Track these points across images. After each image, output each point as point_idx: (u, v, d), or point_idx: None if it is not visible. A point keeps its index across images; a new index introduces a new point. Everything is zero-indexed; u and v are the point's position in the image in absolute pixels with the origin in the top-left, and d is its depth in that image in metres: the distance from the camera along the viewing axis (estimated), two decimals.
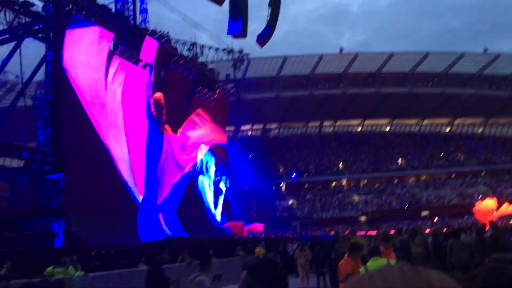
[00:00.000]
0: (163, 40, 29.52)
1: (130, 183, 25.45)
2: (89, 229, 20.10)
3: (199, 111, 34.55)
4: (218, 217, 35.73)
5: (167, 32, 30.10)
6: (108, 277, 13.31)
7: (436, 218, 50.53)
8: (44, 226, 20.51)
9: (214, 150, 36.50)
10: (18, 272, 11.69)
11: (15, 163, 25.75)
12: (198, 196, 33.88)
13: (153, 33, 28.96)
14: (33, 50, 23.77)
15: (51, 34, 22.90)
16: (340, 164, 61.06)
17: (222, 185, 37.51)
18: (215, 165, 36.81)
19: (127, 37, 27.20)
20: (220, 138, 38.16)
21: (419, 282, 0.56)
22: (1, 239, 15.15)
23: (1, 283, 10.79)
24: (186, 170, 32.43)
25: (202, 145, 34.90)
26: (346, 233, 15.46)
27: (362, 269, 6.00)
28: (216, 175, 36.76)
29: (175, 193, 30.45)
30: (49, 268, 12.01)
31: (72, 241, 17.45)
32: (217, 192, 36.43)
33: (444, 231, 14.61)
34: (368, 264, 6.12)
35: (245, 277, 2.06)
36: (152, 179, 27.48)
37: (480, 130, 68.16)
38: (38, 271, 11.41)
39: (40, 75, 25.13)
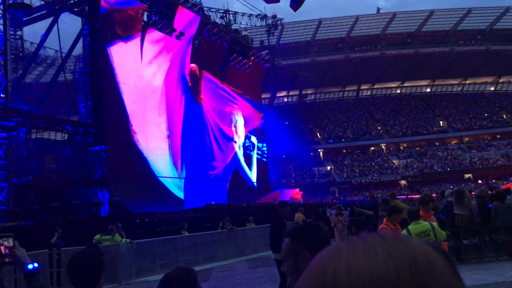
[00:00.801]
0: (196, 8, 29.31)
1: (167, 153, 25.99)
2: (132, 198, 20.72)
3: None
4: (254, 179, 36.15)
5: (200, 1, 29.85)
6: (152, 244, 13.75)
7: (480, 181, 49.27)
8: (90, 196, 21.28)
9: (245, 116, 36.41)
10: (68, 240, 12.23)
11: (60, 136, 26.62)
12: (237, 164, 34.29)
13: (185, 2, 28.78)
14: (70, 24, 24.13)
15: (87, 7, 23.14)
16: (379, 128, 60.06)
17: (254, 151, 37.48)
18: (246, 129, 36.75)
19: (160, 7, 27.15)
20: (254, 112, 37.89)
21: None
22: (50, 209, 15.82)
23: (53, 250, 11.33)
24: (232, 139, 32.90)
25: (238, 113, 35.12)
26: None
27: (404, 231, 5.93)
28: (247, 138, 36.68)
29: (226, 163, 31.19)
30: (97, 236, 12.51)
31: (118, 210, 18.03)
32: (250, 156, 36.55)
33: (489, 193, 14.23)
34: (410, 227, 6.05)
35: (288, 244, 2.05)
36: (193, 150, 27.89)
37: None
38: (86, 239, 11.89)
39: (78, 49, 25.59)
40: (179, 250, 14.36)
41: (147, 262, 13.24)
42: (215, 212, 20.36)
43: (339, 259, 0.54)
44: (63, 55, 24.25)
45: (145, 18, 26.87)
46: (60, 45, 22.62)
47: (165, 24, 27.04)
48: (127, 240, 12.85)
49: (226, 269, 14.29)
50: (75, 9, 23.46)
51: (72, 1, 23.20)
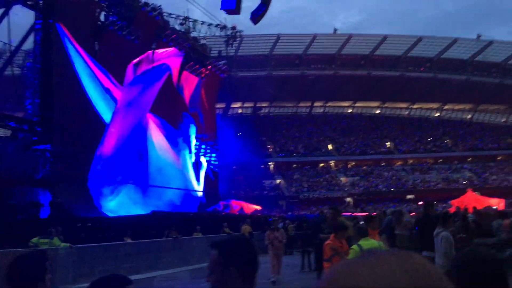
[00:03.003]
0: (155, 13, 29.03)
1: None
2: (75, 201, 20.04)
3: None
4: (200, 192, 35.51)
5: (160, 5, 29.59)
6: (92, 249, 13.33)
7: (420, 202, 51.15)
8: (30, 196, 20.36)
9: (196, 123, 35.99)
10: (4, 242, 11.64)
11: (2, 132, 25.42)
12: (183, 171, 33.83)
13: (145, 6, 28.44)
14: (22, 18, 23.24)
15: (41, 1, 22.38)
16: (329, 145, 61.29)
17: (203, 159, 36.95)
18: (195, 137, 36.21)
19: (119, 8, 26.68)
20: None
21: (416, 269, 0.56)
22: None
23: None
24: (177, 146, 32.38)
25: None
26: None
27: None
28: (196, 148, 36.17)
29: (167, 169, 30.50)
30: (35, 239, 11.97)
31: (59, 212, 17.37)
32: (197, 164, 35.94)
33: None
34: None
35: (215, 256, 1.98)
36: (137, 154, 27.35)
37: (469, 116, 68.67)
38: (23, 241, 11.36)
39: (29, 44, 24.63)
40: (121, 257, 14.00)
41: (86, 268, 12.80)
42: (161, 220, 20.03)
43: (358, 270, 0.56)
44: (12, 48, 23.30)
45: (102, 18, 26.37)
46: (9, 37, 21.74)
47: (122, 25, 26.58)
48: (67, 244, 12.38)
49: (169, 278, 14.05)
50: (28, 2, 22.63)
51: None
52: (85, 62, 23.50)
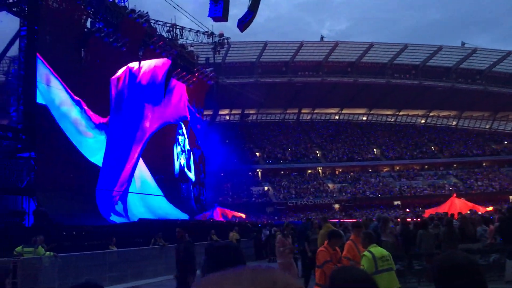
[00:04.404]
0: (143, 20, 28.98)
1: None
2: (60, 209, 19.80)
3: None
4: (193, 178, 36.11)
5: (147, 12, 29.53)
6: (77, 258, 13.17)
7: (407, 209, 51.44)
8: (14, 204, 20.09)
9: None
10: None
11: None
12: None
13: (132, 12, 28.38)
14: (7, 24, 23.06)
15: (26, 8, 22.21)
16: (317, 152, 61.50)
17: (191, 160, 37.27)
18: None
19: (106, 15, 26.58)
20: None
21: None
22: None
23: None
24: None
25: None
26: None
27: (367, 253, 5.84)
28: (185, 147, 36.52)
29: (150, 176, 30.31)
30: (19, 248, 11.81)
31: (43, 221, 17.15)
32: (187, 153, 36.32)
33: (415, 220, 14.90)
34: (372, 249, 5.93)
35: (204, 261, 2.06)
36: (123, 163, 27.19)
37: (454, 123, 69.49)
38: (7, 250, 11.20)
39: (14, 51, 24.42)
40: (107, 265, 13.85)
41: (71, 277, 12.64)
42: (147, 228, 19.87)
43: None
44: None
45: (88, 24, 26.24)
46: None
47: (109, 32, 26.47)
48: (51, 253, 12.22)
49: (156, 286, 13.93)
50: (13, 9, 22.46)
51: (10, 1, 22.21)
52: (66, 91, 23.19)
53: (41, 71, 21.45)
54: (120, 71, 27.13)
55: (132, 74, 28.35)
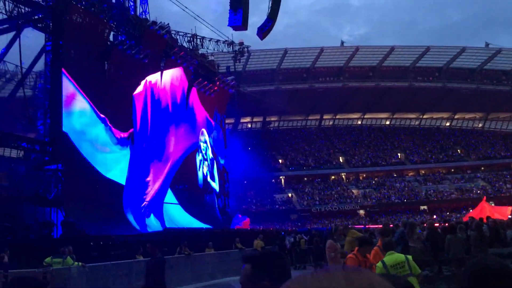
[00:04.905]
0: (163, 31, 29.39)
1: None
2: (87, 220, 20.12)
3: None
4: (217, 188, 36.20)
5: (168, 24, 29.96)
6: (105, 268, 13.34)
7: (434, 216, 50.54)
8: (42, 216, 20.51)
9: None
10: (17, 262, 11.71)
11: (14, 153, 25.71)
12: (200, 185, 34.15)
13: (153, 24, 28.83)
14: (32, 40, 23.68)
15: (51, 24, 22.79)
16: (340, 158, 61.08)
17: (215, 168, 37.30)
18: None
19: (128, 28, 27.07)
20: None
21: (360, 283, 0.59)
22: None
23: (0, 272, 10.80)
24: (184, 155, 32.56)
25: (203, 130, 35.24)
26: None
27: (380, 264, 5.79)
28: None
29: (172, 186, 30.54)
30: (48, 259, 12.03)
31: (71, 231, 17.45)
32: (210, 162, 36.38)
33: (443, 225, 14.61)
34: (385, 259, 5.92)
35: (249, 270, 2.02)
36: (150, 172, 27.49)
37: (480, 125, 68.14)
38: (37, 261, 11.42)
39: (40, 65, 25.05)
40: (134, 274, 13.98)
41: (99, 287, 12.81)
42: (173, 237, 20.00)
43: (304, 285, 0.60)
44: (24, 70, 23.68)
45: (111, 38, 26.74)
46: (21, 60, 22.13)
47: (131, 44, 26.92)
48: (79, 263, 12.42)
49: None
50: (39, 25, 23.07)
51: (36, 17, 22.82)
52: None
53: (67, 88, 21.88)
54: (141, 86, 27.44)
55: (153, 88, 28.67)
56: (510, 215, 24.24)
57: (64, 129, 21.35)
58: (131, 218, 24.08)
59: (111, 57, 25.71)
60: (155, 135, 28.23)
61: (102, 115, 23.82)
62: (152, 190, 27.19)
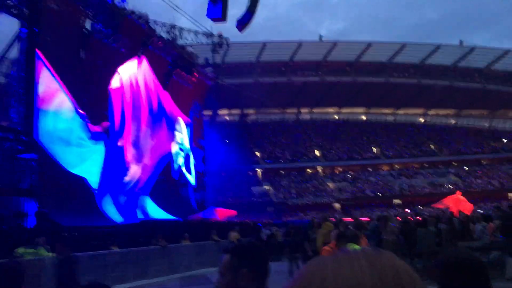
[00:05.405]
0: (142, 20, 28.97)
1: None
2: (62, 210, 19.82)
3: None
4: (193, 182, 35.81)
5: (146, 13, 29.53)
6: (80, 259, 13.17)
7: (407, 210, 51.45)
8: (16, 206, 20.11)
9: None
10: None
11: None
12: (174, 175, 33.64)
13: (131, 13, 28.37)
14: (6, 26, 23.06)
15: (26, 10, 22.20)
16: (316, 151, 61.54)
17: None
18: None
19: (105, 16, 26.57)
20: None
21: (383, 266, 0.56)
22: None
23: None
24: (163, 151, 32.14)
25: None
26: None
27: None
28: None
29: (151, 175, 30.19)
30: (20, 249, 11.82)
31: (45, 222, 17.18)
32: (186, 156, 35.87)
33: (416, 219, 14.90)
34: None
35: (228, 260, 2.07)
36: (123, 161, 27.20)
37: (453, 121, 69.56)
38: (9, 252, 11.20)
39: (14, 53, 24.42)
40: (109, 266, 13.87)
41: None
42: (148, 228, 19.89)
43: (325, 269, 0.57)
44: None
45: (88, 26, 26.22)
46: None
47: (108, 33, 26.47)
48: (53, 254, 12.23)
49: (158, 286, 13.95)
50: (13, 11, 22.44)
51: (11, 3, 22.19)
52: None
53: (46, 82, 21.35)
54: (117, 80, 26.91)
55: (130, 82, 28.20)
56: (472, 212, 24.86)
57: (39, 124, 20.85)
58: (109, 208, 23.78)
59: (88, 46, 25.24)
60: (134, 132, 27.92)
61: (81, 111, 23.34)
62: (132, 182, 26.96)
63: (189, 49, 37.20)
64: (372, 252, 0.60)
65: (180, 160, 34.47)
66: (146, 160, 29.37)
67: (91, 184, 23.59)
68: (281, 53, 57.25)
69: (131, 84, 28.61)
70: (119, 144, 26.39)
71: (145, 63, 30.06)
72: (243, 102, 61.02)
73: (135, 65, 29.11)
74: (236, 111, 66.11)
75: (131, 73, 28.66)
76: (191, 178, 35.73)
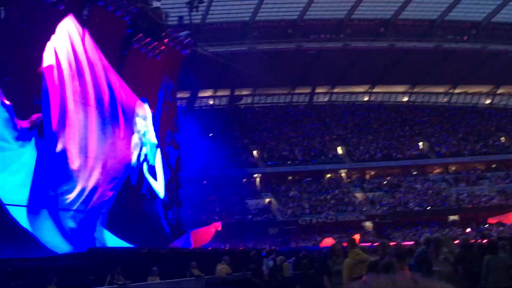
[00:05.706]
0: None
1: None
2: None
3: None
4: (161, 193, 35.73)
5: None
6: None
7: (469, 229, 51.45)
8: None
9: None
10: None
11: None
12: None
13: None
14: None
15: None
16: (338, 149, 61.55)
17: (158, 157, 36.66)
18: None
19: None
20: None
21: None
22: None
23: None
24: (122, 156, 32.27)
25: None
26: (344, 244, 15.62)
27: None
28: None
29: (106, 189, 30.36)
30: None
31: None
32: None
33: (480, 242, 14.89)
34: None
35: None
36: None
37: None
38: None
39: None
40: None
41: None
42: (101, 261, 19.91)
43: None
44: None
45: None
46: None
47: None
48: None
49: None
50: None
51: None
52: None
53: None
54: (51, 56, 26.80)
55: (69, 58, 28.13)
56: None
57: None
58: (47, 233, 23.84)
59: (10, 1, 25.20)
60: (80, 130, 27.99)
61: (8, 103, 23.32)
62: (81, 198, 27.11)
63: (156, 4, 37.15)
64: (421, 280, 0.69)
65: (144, 166, 34.44)
66: (98, 168, 29.40)
67: (14, 202, 23.61)
68: (287, 8, 57.06)
69: (75, 60, 28.56)
70: (58, 146, 26.38)
71: (90, 26, 30.15)
72: (234, 80, 60.91)
73: (76, 30, 29.04)
74: (223, 92, 66.02)
75: (72, 42, 28.60)
76: (159, 188, 35.63)
